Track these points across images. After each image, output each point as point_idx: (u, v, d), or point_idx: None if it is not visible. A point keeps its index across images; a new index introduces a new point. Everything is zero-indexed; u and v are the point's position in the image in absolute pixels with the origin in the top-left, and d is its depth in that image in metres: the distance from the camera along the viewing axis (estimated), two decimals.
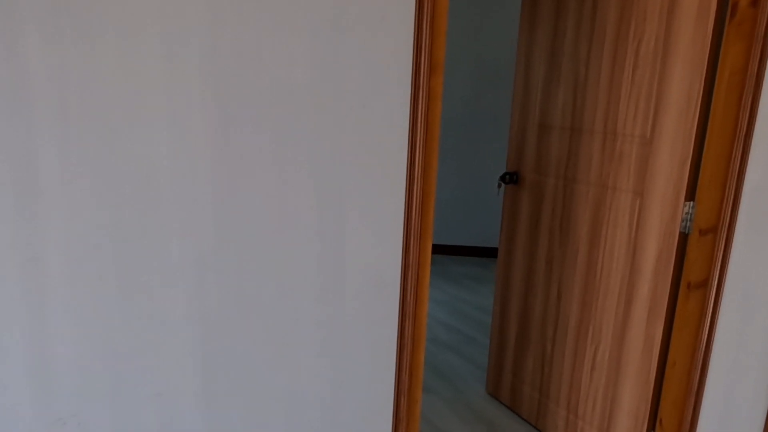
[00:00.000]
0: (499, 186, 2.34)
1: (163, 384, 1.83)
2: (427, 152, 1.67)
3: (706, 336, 1.72)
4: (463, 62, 4.40)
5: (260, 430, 1.84)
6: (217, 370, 1.81)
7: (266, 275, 1.73)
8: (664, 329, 1.82)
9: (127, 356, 1.74)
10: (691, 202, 1.73)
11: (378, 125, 1.65)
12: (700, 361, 1.73)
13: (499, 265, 2.47)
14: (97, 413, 1.77)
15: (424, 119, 1.62)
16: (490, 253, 4.68)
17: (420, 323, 1.80)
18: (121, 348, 1.73)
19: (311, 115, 1.65)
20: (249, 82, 1.62)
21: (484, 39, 4.35)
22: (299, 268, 1.73)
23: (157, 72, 1.56)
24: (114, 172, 1.61)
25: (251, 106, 1.63)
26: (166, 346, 1.81)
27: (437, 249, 4.75)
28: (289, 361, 1.80)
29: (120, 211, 1.63)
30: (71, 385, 1.74)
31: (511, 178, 2.33)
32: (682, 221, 1.74)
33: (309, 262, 1.73)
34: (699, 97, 1.67)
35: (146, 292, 1.70)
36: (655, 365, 1.85)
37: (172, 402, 1.85)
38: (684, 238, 1.76)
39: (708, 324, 1.71)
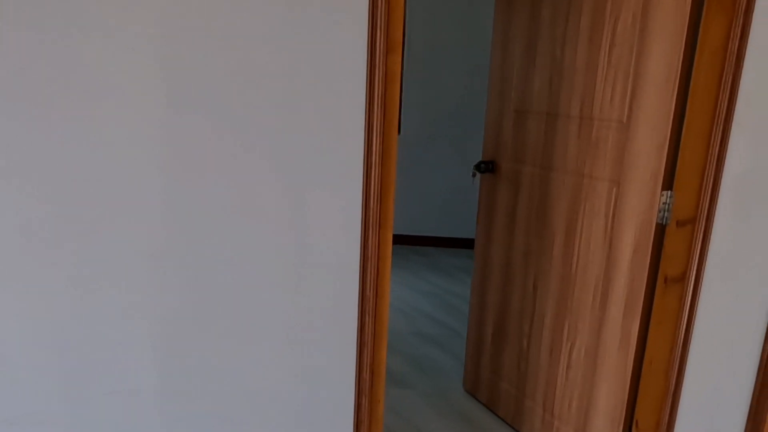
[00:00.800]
0: (474, 175, 2.23)
1: (120, 381, 1.75)
2: (386, 137, 1.57)
3: (683, 333, 1.61)
4: (457, 52, 4.28)
5: (221, 429, 1.76)
6: (176, 367, 1.72)
7: (224, 267, 1.64)
8: (640, 325, 1.72)
9: (79, 352, 1.66)
10: (669, 192, 1.62)
11: (333, 107, 1.54)
12: (678, 359, 1.63)
13: (476, 256, 2.37)
14: (51, 412, 1.69)
15: (381, 101, 1.52)
16: None
17: (381, 319, 1.70)
18: (72, 344, 1.65)
19: (265, 98, 1.55)
20: (201, 62, 1.52)
21: (477, 29, 4.22)
22: (258, 260, 1.64)
23: (101, 53, 1.47)
24: (60, 161, 1.52)
25: (203, 89, 1.53)
26: (121, 342, 1.72)
27: (430, 241, 4.65)
28: (251, 358, 1.71)
29: (66, 202, 1.54)
30: (22, 383, 1.66)
31: (487, 166, 2.22)
32: (660, 211, 1.63)
33: (268, 254, 1.64)
34: (677, 78, 1.55)
35: (97, 284, 1.62)
36: (632, 363, 1.74)
37: (130, 400, 1.77)
38: (662, 229, 1.65)
39: (686, 320, 1.61)
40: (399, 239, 4.65)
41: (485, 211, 2.30)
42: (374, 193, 1.58)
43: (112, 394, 1.75)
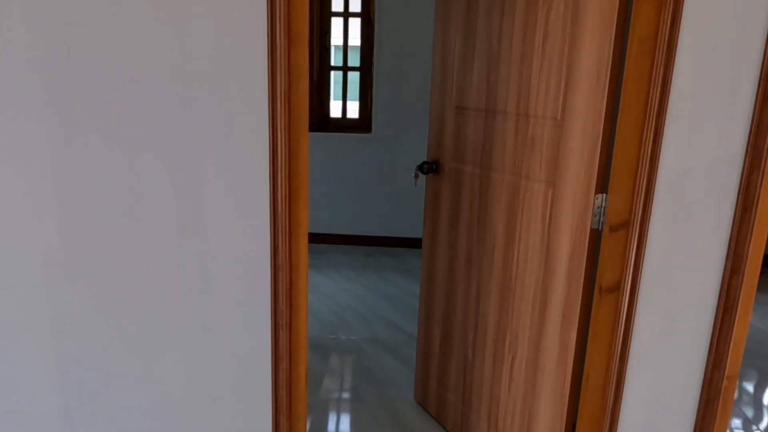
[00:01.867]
0: (416, 177, 2.11)
1: (18, 400, 1.63)
2: (293, 137, 1.44)
3: (620, 346, 1.49)
4: (422, 43, 4.15)
5: None
6: (78, 385, 1.60)
7: (123, 277, 1.52)
8: (578, 338, 1.60)
9: None
10: (604, 194, 1.50)
11: (233, 105, 1.42)
12: (615, 374, 1.51)
13: (423, 262, 2.25)
14: None
15: (285, 98, 1.39)
16: None
17: (298, 333, 1.58)
18: None
19: (157, 93, 1.42)
20: (85, 52, 1.39)
21: None
22: (159, 268, 1.52)
23: None
24: None
25: (90, 82, 1.40)
26: (17, 359, 1.60)
27: (402, 242, 4.53)
28: (155, 375, 1.59)
29: None
30: None
31: (430, 167, 2.10)
32: (594, 216, 1.51)
33: (166, 261, 1.51)
34: (608, 70, 1.43)
35: None
36: (570, 378, 1.63)
37: (29, 421, 1.64)
38: (597, 234, 1.53)
39: (622, 332, 1.49)
40: (370, 240, 4.53)
41: (430, 214, 2.18)
42: (282, 197, 1.45)
43: (11, 414, 1.63)
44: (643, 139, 1.38)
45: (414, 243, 4.51)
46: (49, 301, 1.54)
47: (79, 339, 1.57)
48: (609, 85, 1.44)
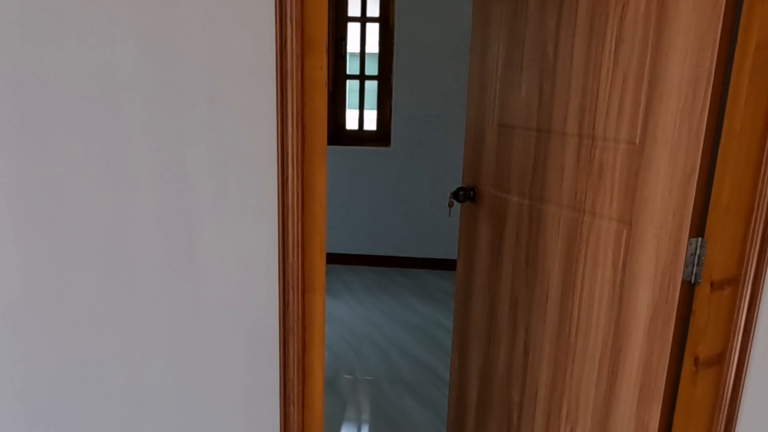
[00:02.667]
0: (451, 205, 1.80)
1: None
2: (307, 169, 1.15)
3: None
4: (444, 50, 3.85)
5: None
6: None
7: (98, 328, 1.23)
8: (662, 417, 1.28)
9: None
10: (700, 239, 1.18)
11: (233, 128, 1.13)
12: None
13: (456, 304, 1.94)
14: None
15: (298, 121, 1.10)
16: None
17: (312, 409, 1.28)
18: None
19: (141, 114, 1.14)
20: (56, 66, 1.11)
21: (464, 21, 3.79)
22: (141, 320, 1.23)
23: None
24: None
25: (62, 100, 1.13)
26: None
27: (419, 262, 4.22)
28: None
29: None
30: None
31: (466, 194, 1.80)
32: (687, 266, 1.20)
33: (154, 312, 1.23)
34: (709, 83, 1.12)
35: None
36: None
37: None
38: (690, 289, 1.21)
39: (725, 416, 1.17)
40: (385, 261, 4.23)
41: (465, 248, 1.87)
42: (293, 242, 1.16)
43: None
44: (761, 173, 1.07)
45: (431, 264, 4.20)
46: (10, 353, 1.26)
47: (50, 400, 1.29)
48: (710, 103, 1.13)
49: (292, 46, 1.07)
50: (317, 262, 1.19)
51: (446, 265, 4.17)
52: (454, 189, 1.80)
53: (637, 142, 1.27)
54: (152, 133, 1.14)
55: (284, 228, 1.14)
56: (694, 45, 1.14)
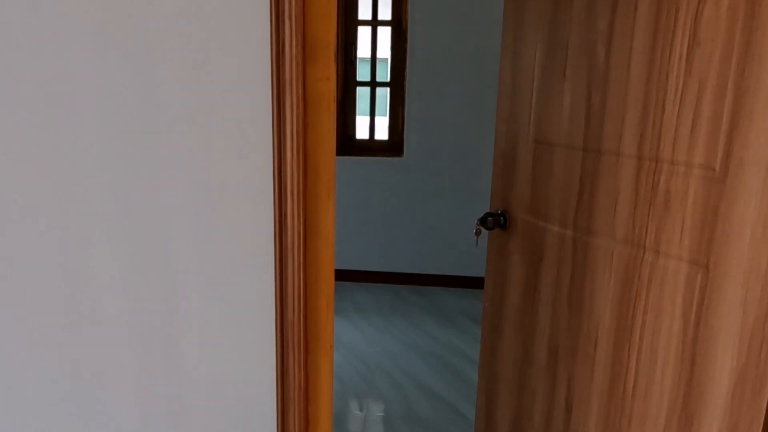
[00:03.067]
0: (478, 233, 1.57)
1: None
2: (311, 205, 0.92)
3: None
4: (462, 54, 3.62)
5: None
6: None
7: (57, 412, 1.01)
8: None
9: None
10: None
11: (219, 156, 0.90)
12: None
13: (483, 344, 1.70)
14: None
15: (299, 144, 0.87)
16: None
17: None
18: None
19: (106, 134, 0.92)
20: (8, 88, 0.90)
21: (482, 24, 3.56)
22: (110, 398, 1.01)
23: None
24: None
25: (21, 118, 0.91)
26: None
27: (432, 280, 3.98)
28: None
29: None
30: None
31: (496, 221, 1.56)
32: None
33: (123, 389, 1.00)
34: None
35: None
36: None
37: None
38: None
39: None
40: (398, 278, 3.99)
41: (494, 283, 1.63)
42: (293, 295, 0.93)
43: None
44: None
45: (446, 281, 3.96)
46: None
47: None
48: None
49: (291, 51, 0.84)
50: (323, 317, 0.96)
51: (462, 282, 3.93)
52: (482, 215, 1.57)
53: (717, 167, 1.03)
54: (115, 159, 0.91)
55: (282, 277, 0.91)
56: None
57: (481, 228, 1.56)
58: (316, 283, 0.94)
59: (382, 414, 2.48)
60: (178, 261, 0.94)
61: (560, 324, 1.41)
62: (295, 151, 0.87)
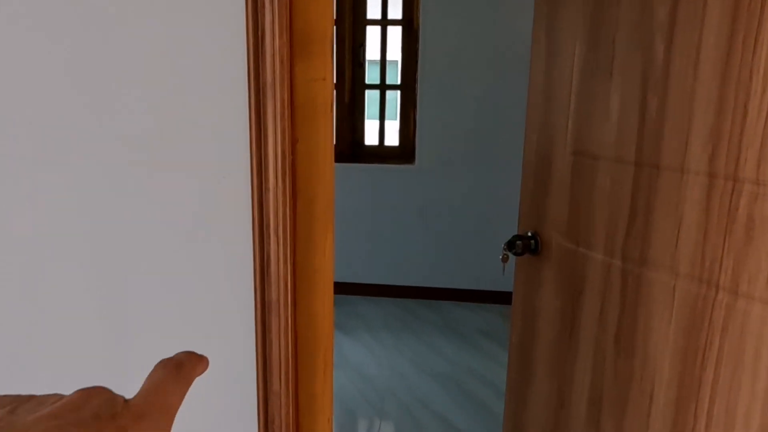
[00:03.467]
0: (505, 260, 1.35)
1: None
2: (302, 243, 0.71)
3: None
4: (478, 55, 3.41)
5: None
6: None
7: None
8: None
9: None
10: None
11: (177, 187, 0.70)
12: None
13: (509, 388, 1.48)
14: None
15: (286, 164, 0.67)
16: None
17: None
18: None
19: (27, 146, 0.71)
20: None
21: (499, 22, 3.34)
22: None
23: None
24: None
25: None
26: None
27: (445, 294, 3.76)
28: None
29: None
30: None
31: (525, 245, 1.34)
32: None
33: None
34: None
35: None
36: None
37: None
38: None
39: None
40: (408, 292, 3.77)
41: (523, 315, 1.42)
42: (281, 364, 0.72)
43: None
44: None
45: (458, 295, 3.73)
46: None
47: None
48: None
49: (273, 44, 0.63)
50: (320, 386, 0.75)
51: (475, 296, 3.70)
52: (510, 238, 1.35)
53: None
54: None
55: (265, 340, 0.70)
56: None
57: (508, 254, 1.34)
58: (309, 345, 0.73)
59: None
60: (132, 318, 0.73)
61: (605, 368, 1.19)
62: (279, 176, 0.66)
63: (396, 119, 3.67)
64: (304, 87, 0.67)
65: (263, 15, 0.63)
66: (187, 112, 0.68)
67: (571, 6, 1.20)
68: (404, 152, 3.65)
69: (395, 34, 3.55)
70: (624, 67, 1.09)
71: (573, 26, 1.20)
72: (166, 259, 0.72)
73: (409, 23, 3.47)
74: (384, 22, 3.53)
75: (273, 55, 0.64)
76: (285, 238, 0.68)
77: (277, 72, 0.65)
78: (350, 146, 3.68)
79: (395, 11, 3.49)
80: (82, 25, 0.69)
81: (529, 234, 1.36)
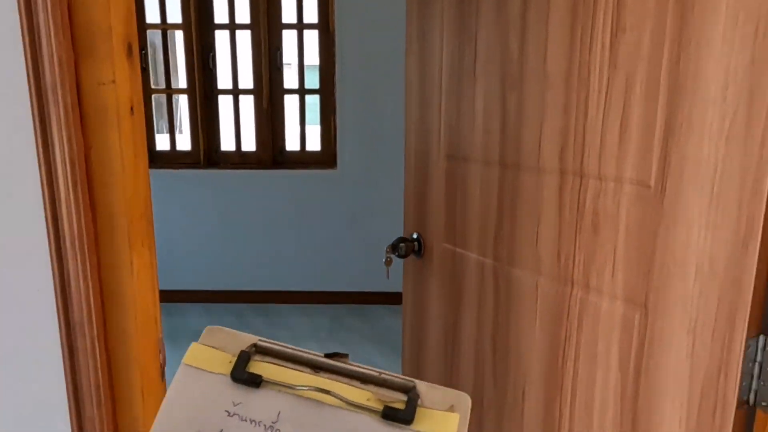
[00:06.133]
0: (389, 263, 1.33)
1: None
2: (107, 271, 0.66)
3: None
4: (395, 58, 3.40)
5: None
6: None
7: None
8: None
9: None
10: (763, 338, 0.74)
11: None
12: None
13: None
14: None
15: (78, 174, 0.62)
16: None
17: None
18: None
19: None
20: None
21: None
22: None
23: None
24: None
25: None
26: None
27: (373, 298, 3.74)
28: None
29: None
30: None
31: (409, 247, 1.33)
32: (745, 381, 0.75)
33: None
34: None
35: None
36: None
37: None
38: (749, 413, 0.77)
39: None
40: (337, 298, 3.73)
41: (411, 322, 1.41)
42: (93, 391, 0.66)
43: None
44: None
45: (387, 299, 3.72)
46: None
47: None
48: None
49: (50, 42, 0.58)
50: (141, 415, 0.70)
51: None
52: (393, 240, 1.34)
53: (652, 183, 0.83)
54: None
55: (74, 369, 0.65)
56: (745, 30, 0.70)
57: (392, 257, 1.32)
58: (124, 366, 0.68)
59: None
60: None
61: (484, 372, 1.19)
62: (71, 187, 0.61)
63: (317, 125, 3.63)
64: (92, 90, 0.62)
65: (37, 12, 0.59)
66: None
67: (437, 2, 1.19)
68: (326, 157, 3.61)
69: (312, 37, 3.51)
70: (485, 67, 1.10)
71: (439, 24, 1.20)
72: None
73: (325, 27, 3.44)
74: (300, 26, 3.48)
75: (51, 56, 0.59)
76: (83, 254, 0.63)
77: (57, 75, 0.60)
78: (271, 154, 3.61)
79: (311, 15, 3.45)
80: None
81: (414, 236, 1.35)
